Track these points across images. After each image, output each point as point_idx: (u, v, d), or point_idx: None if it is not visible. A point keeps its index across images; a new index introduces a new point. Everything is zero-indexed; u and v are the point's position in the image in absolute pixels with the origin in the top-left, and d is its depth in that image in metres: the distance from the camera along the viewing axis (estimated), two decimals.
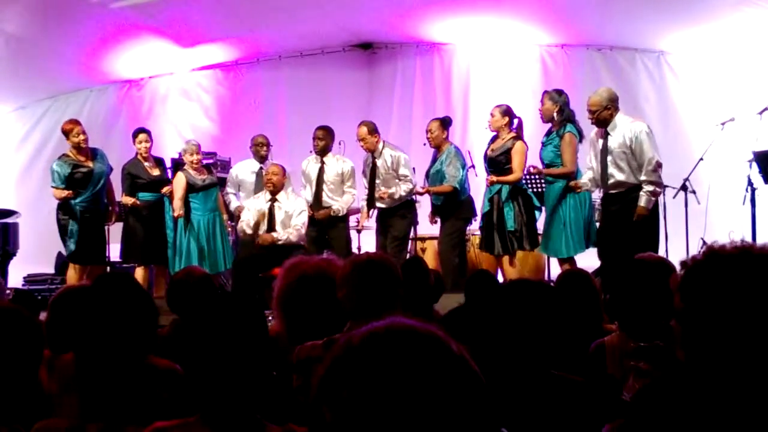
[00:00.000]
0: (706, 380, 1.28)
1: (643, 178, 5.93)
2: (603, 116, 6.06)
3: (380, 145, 7.33)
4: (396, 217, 7.29)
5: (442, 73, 9.92)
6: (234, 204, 7.80)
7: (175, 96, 10.30)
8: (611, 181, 6.10)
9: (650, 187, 5.92)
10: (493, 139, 7.03)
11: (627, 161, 5.98)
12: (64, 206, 7.07)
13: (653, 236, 6.02)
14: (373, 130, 7.34)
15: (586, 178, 6.31)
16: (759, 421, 1.23)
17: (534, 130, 8.66)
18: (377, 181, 7.30)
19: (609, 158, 6.07)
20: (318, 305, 2.81)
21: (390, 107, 9.79)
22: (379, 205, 7.35)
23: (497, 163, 6.86)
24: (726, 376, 1.26)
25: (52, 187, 7.05)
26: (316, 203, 7.42)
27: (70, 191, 6.98)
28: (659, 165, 5.93)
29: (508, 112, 6.97)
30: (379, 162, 7.32)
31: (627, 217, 5.97)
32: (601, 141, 6.16)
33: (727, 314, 1.28)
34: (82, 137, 7.04)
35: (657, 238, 6.09)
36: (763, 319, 1.25)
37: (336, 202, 7.40)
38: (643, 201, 5.96)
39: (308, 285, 2.84)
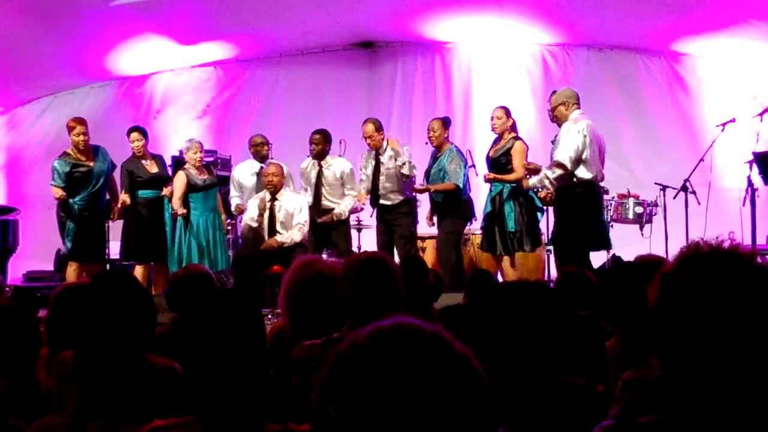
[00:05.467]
0: (682, 384, 1.27)
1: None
2: (558, 113, 6.14)
3: (384, 143, 7.34)
4: (400, 215, 7.28)
5: (442, 72, 9.91)
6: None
7: (175, 93, 10.29)
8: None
9: (542, 176, 6.07)
10: (497, 141, 7.03)
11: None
12: (63, 204, 7.07)
13: (583, 232, 5.98)
14: (380, 128, 7.36)
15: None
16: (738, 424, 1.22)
17: (537, 130, 8.67)
18: (381, 178, 7.29)
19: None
20: (328, 304, 2.82)
21: (390, 106, 9.79)
22: (382, 202, 7.33)
23: (498, 164, 6.87)
24: (698, 380, 1.25)
25: (51, 185, 7.06)
26: (316, 206, 7.40)
27: (64, 193, 6.99)
28: (558, 165, 5.93)
29: (509, 112, 6.98)
30: (383, 158, 7.32)
31: (564, 214, 6.03)
32: None
33: (691, 316, 1.26)
34: (81, 138, 7.04)
35: (587, 234, 6.03)
36: (728, 321, 1.23)
37: (336, 205, 7.39)
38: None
39: (321, 283, 2.85)
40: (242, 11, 8.60)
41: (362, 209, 7.62)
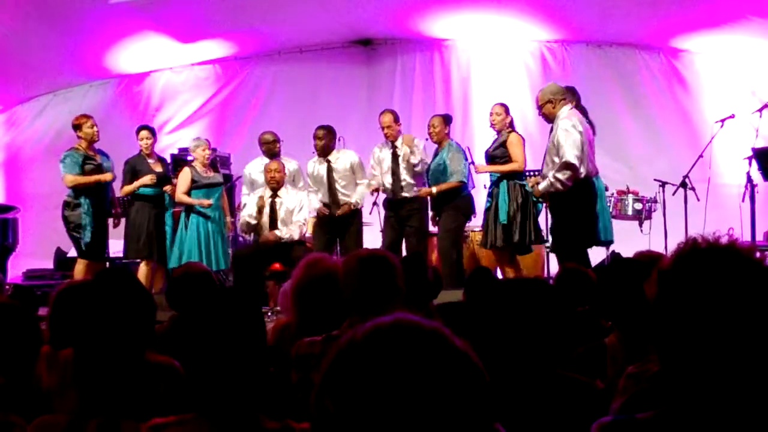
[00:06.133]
0: (680, 380, 1.27)
1: (552, 172, 5.88)
2: (546, 110, 6.06)
3: (400, 138, 7.33)
4: (415, 211, 7.23)
5: (441, 69, 9.91)
6: None
7: (174, 91, 10.29)
8: (544, 171, 6.14)
9: (553, 180, 5.86)
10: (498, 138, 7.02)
11: (551, 155, 5.95)
12: (72, 202, 7.01)
13: (579, 229, 5.90)
14: (397, 119, 7.35)
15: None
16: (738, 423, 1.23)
17: (536, 127, 8.66)
18: (401, 169, 7.23)
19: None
20: (336, 301, 2.82)
21: (389, 104, 9.74)
22: (404, 194, 7.24)
23: (494, 158, 6.85)
24: (695, 376, 1.25)
25: (67, 173, 6.91)
26: (334, 203, 7.34)
27: (107, 176, 7.01)
28: (566, 166, 5.76)
29: (508, 109, 6.97)
30: (400, 151, 7.28)
31: (560, 212, 5.94)
32: None
33: (688, 312, 1.26)
34: (95, 129, 7.07)
35: (583, 231, 5.94)
36: (725, 317, 1.23)
37: (352, 197, 7.35)
38: (542, 185, 6.00)
39: (329, 281, 2.86)
40: (241, 9, 8.60)
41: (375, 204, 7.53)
